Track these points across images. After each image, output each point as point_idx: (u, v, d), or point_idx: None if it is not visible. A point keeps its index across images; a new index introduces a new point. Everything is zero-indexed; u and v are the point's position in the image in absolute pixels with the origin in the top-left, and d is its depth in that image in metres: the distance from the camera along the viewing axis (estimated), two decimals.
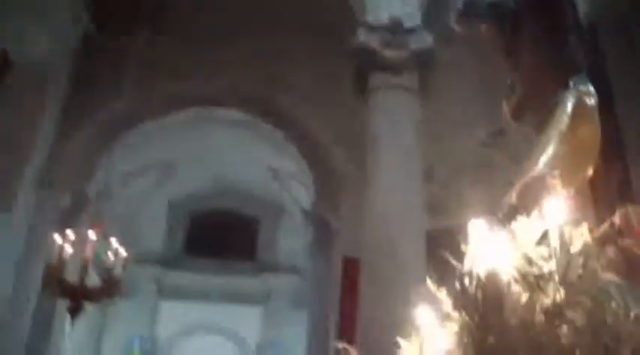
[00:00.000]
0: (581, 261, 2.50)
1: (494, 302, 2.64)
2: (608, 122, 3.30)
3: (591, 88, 3.16)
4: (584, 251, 2.53)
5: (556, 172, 2.96)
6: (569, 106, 3.04)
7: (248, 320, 15.90)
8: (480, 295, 2.65)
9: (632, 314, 2.39)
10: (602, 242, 2.70)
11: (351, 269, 9.85)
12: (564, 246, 2.57)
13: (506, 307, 2.59)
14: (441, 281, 3.12)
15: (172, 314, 15.80)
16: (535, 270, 2.57)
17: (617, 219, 2.79)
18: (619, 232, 2.80)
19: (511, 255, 2.63)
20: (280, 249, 16.49)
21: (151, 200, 15.49)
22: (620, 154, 3.69)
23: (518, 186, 3.11)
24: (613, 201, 3.20)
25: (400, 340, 3.43)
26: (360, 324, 7.98)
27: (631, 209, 2.85)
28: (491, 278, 2.60)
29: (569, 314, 2.45)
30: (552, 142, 3.00)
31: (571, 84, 3.11)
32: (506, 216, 3.05)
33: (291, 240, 15.30)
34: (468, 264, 2.72)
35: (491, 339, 2.55)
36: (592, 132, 3.06)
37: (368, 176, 8.17)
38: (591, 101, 3.11)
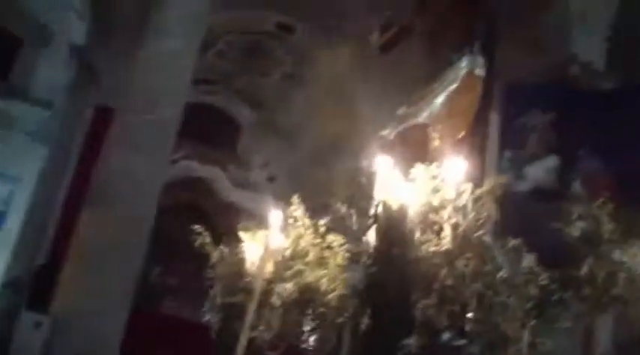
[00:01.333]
0: (470, 214, 2.81)
1: (397, 234, 2.82)
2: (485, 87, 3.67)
3: (481, 60, 3.52)
4: (473, 205, 2.86)
5: (439, 126, 3.37)
6: (462, 73, 3.43)
7: None
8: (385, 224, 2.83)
9: (500, 274, 2.71)
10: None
11: (104, 117, 9.51)
12: (458, 198, 2.84)
13: (407, 241, 2.78)
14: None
15: None
16: (434, 216, 2.86)
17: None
18: None
19: (414, 197, 2.91)
20: (38, 79, 15.21)
21: None
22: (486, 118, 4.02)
23: (399, 126, 3.54)
24: (478, 153, 3.60)
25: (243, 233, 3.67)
26: (99, 173, 7.80)
27: None
28: (401, 212, 2.83)
29: (457, 262, 2.76)
30: (440, 99, 3.38)
31: (467, 51, 3.49)
32: (382, 148, 3.48)
33: (52, 72, 14.19)
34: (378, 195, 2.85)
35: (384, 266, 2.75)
36: (474, 98, 3.46)
37: (149, 28, 7.82)
38: (480, 72, 3.49)
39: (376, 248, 3.01)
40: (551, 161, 7.46)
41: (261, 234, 4.14)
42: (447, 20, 3.88)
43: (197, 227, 4.39)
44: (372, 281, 2.92)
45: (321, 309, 3.32)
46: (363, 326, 2.91)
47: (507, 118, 7.66)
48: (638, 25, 8.07)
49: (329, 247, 3.82)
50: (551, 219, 3.31)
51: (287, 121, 13.66)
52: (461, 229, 2.82)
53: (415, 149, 3.36)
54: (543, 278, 2.67)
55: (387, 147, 3.53)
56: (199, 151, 14.33)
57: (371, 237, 3.13)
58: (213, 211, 14.35)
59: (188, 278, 12.72)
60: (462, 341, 2.63)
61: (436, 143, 3.38)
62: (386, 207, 3.03)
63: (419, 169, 3.12)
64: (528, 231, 2.84)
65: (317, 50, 11.20)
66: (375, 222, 3.08)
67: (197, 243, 4.33)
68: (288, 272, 3.67)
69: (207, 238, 4.39)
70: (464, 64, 3.55)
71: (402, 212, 2.96)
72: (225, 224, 10.60)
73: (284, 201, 4.25)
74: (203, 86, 12.28)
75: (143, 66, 7.61)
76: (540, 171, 7.44)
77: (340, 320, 3.24)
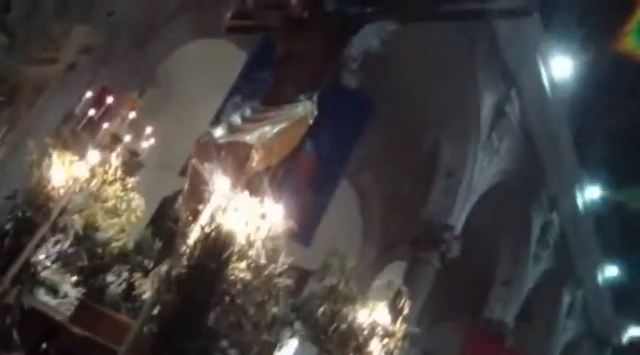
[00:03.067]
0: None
1: (220, 252, 3.16)
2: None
3: (315, 111, 4.05)
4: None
5: (261, 151, 3.67)
6: (301, 112, 3.90)
7: None
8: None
9: None
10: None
11: None
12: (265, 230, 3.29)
13: (226, 261, 3.05)
14: None
15: None
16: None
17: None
18: None
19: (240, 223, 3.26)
20: None
21: None
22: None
23: (229, 136, 3.83)
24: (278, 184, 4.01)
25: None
26: None
27: None
28: (229, 235, 3.17)
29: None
30: (271, 128, 3.77)
31: (311, 97, 3.99)
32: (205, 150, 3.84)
33: None
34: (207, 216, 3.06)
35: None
36: (297, 138, 3.96)
37: None
38: (310, 121, 4.01)
39: (195, 256, 3.19)
40: None
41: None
42: (310, 58, 4.22)
43: None
44: (179, 281, 3.11)
45: (99, 250, 3.59)
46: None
47: (251, 66, 7.86)
48: None
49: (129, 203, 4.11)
50: None
51: None
52: (256, 261, 3.13)
53: (236, 163, 3.65)
54: None
55: (212, 149, 3.71)
56: None
57: (192, 239, 3.29)
58: None
59: None
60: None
61: (253, 165, 3.72)
62: (218, 227, 3.22)
63: (244, 198, 3.34)
64: None
65: None
66: (205, 235, 3.24)
67: None
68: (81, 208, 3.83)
69: None
70: (300, 109, 3.99)
71: (230, 235, 3.19)
72: None
73: None
74: None
75: None
76: None
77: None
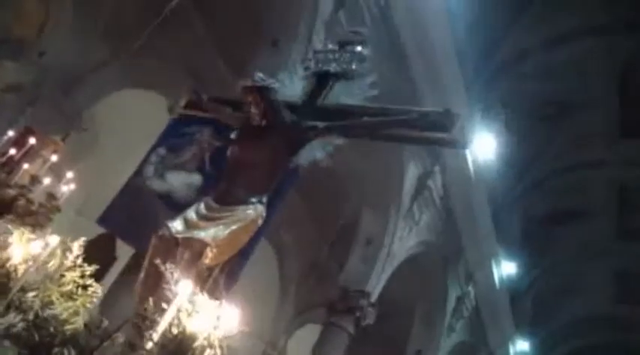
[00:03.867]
0: None
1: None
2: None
3: (264, 214, 4.33)
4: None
5: (214, 250, 3.93)
6: (252, 214, 4.17)
7: None
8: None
9: None
10: None
11: None
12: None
13: None
14: None
15: None
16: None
17: None
18: None
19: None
20: None
21: None
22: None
23: (182, 233, 4.01)
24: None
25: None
26: None
27: None
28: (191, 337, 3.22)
29: None
30: (224, 228, 4.02)
31: (261, 199, 4.27)
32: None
33: None
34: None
35: None
36: (247, 238, 4.25)
37: None
38: (261, 222, 4.32)
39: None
40: (196, 179, 7.93)
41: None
42: (261, 164, 4.48)
43: None
44: None
45: (52, 330, 3.54)
46: None
47: (179, 120, 8.10)
48: None
49: (85, 288, 4.18)
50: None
51: None
52: None
53: (190, 258, 3.92)
54: None
55: (170, 243, 4.06)
56: None
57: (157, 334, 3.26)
58: None
59: None
60: None
61: (207, 261, 3.96)
62: (181, 329, 3.31)
63: (204, 299, 3.53)
64: None
65: None
66: (172, 337, 3.27)
67: None
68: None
69: None
70: (251, 212, 4.25)
71: (193, 336, 3.30)
72: None
73: None
74: None
75: None
76: (181, 181, 7.87)
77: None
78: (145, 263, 4.29)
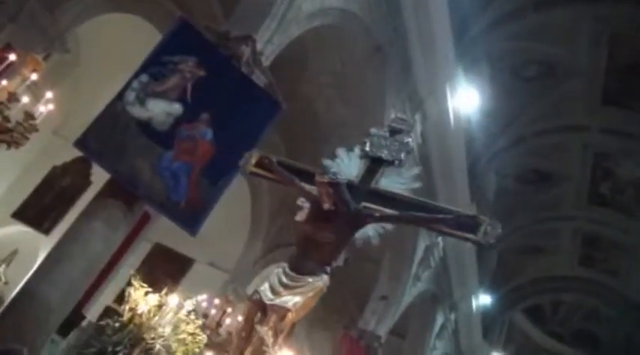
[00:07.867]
0: None
1: None
2: None
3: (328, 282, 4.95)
4: None
5: (293, 315, 4.77)
6: (321, 285, 4.84)
7: None
8: None
9: None
10: None
11: None
12: None
13: None
14: None
15: None
16: None
17: None
18: None
19: None
20: None
21: None
22: None
23: (271, 300, 4.76)
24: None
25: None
26: None
27: None
28: None
29: None
30: (304, 295, 4.78)
31: (328, 271, 4.93)
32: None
33: None
34: None
35: None
36: (313, 303, 4.95)
37: None
38: (325, 288, 4.92)
39: None
40: (176, 108, 8.14)
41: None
42: (328, 243, 5.05)
43: None
44: None
45: None
46: None
47: (164, 47, 8.24)
48: None
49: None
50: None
51: None
52: None
53: (276, 321, 4.72)
54: None
55: (262, 307, 4.83)
56: None
57: None
58: None
59: None
60: None
61: (285, 322, 4.76)
62: None
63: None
64: None
65: None
66: None
67: None
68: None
69: None
70: (320, 283, 4.88)
71: None
72: None
73: None
74: None
75: None
76: (161, 109, 8.00)
77: None
78: (242, 320, 5.13)
